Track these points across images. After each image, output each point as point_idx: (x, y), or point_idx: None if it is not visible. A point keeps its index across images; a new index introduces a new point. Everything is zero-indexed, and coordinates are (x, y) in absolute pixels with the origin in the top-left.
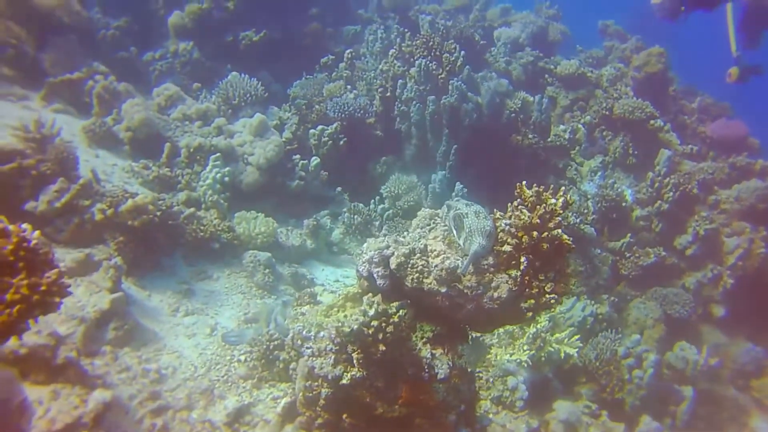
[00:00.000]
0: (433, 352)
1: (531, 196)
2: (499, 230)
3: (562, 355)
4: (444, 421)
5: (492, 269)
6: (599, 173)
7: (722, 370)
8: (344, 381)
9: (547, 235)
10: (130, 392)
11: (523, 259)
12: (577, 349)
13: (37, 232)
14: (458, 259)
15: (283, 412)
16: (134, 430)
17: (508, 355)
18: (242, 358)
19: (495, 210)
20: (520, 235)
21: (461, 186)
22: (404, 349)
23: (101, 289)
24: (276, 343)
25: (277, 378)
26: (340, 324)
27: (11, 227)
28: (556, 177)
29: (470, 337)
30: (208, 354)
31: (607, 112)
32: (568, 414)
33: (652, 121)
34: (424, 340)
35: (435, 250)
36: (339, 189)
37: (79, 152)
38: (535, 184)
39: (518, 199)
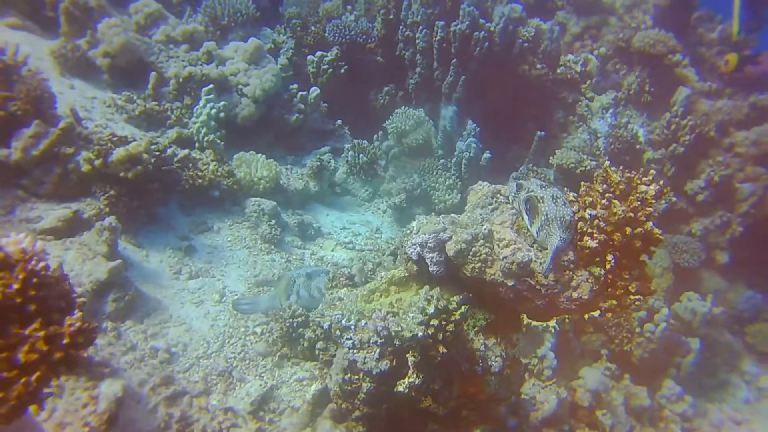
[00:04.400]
0: (486, 342)
1: (620, 183)
2: (577, 218)
3: (586, 317)
4: (494, 413)
5: (572, 266)
6: (611, 110)
7: (720, 316)
8: (400, 389)
9: (641, 231)
10: (140, 377)
11: (610, 257)
12: (600, 312)
13: (39, 244)
14: (530, 250)
15: (314, 401)
16: (149, 423)
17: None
18: (258, 330)
19: (566, 189)
20: (609, 230)
21: (474, 125)
22: (459, 342)
23: (96, 255)
24: (300, 320)
25: (300, 356)
26: (399, 329)
27: (12, 251)
28: (565, 112)
29: (525, 325)
30: (219, 325)
31: (623, 44)
32: (597, 384)
33: (670, 55)
34: (477, 329)
35: (504, 239)
36: (339, 122)
37: (50, 82)
38: (625, 169)
39: (604, 185)
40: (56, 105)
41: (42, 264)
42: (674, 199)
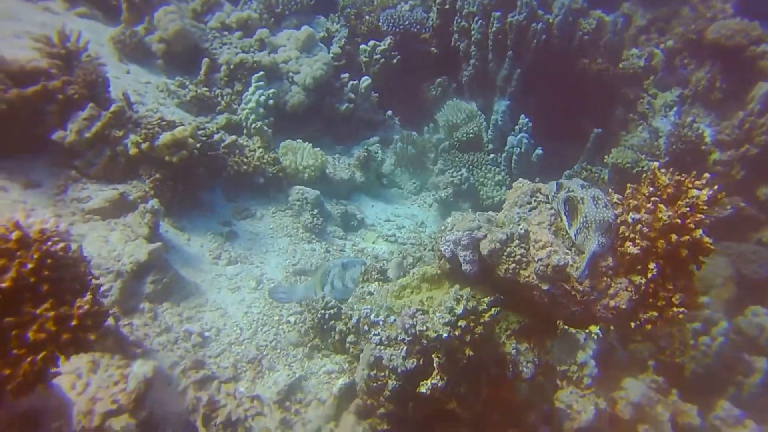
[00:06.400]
0: (518, 347)
1: (668, 186)
2: (619, 222)
3: (632, 326)
4: (525, 420)
5: (610, 272)
6: (675, 108)
7: None
8: (422, 390)
9: (689, 240)
10: (172, 359)
11: (653, 265)
12: (639, 323)
13: (63, 226)
14: (567, 253)
15: (340, 394)
16: (178, 405)
17: None
18: (291, 319)
19: (610, 190)
20: (652, 236)
21: (526, 120)
22: (488, 345)
23: (138, 237)
24: (332, 312)
25: (331, 348)
26: (425, 328)
27: (32, 228)
28: (626, 109)
29: (561, 331)
30: (254, 312)
31: (694, 36)
32: (641, 397)
33: (752, 47)
34: (509, 332)
35: (540, 240)
36: (389, 113)
37: (108, 67)
38: (675, 171)
39: (650, 188)
40: (110, 89)
41: (61, 245)
42: (742, 204)
